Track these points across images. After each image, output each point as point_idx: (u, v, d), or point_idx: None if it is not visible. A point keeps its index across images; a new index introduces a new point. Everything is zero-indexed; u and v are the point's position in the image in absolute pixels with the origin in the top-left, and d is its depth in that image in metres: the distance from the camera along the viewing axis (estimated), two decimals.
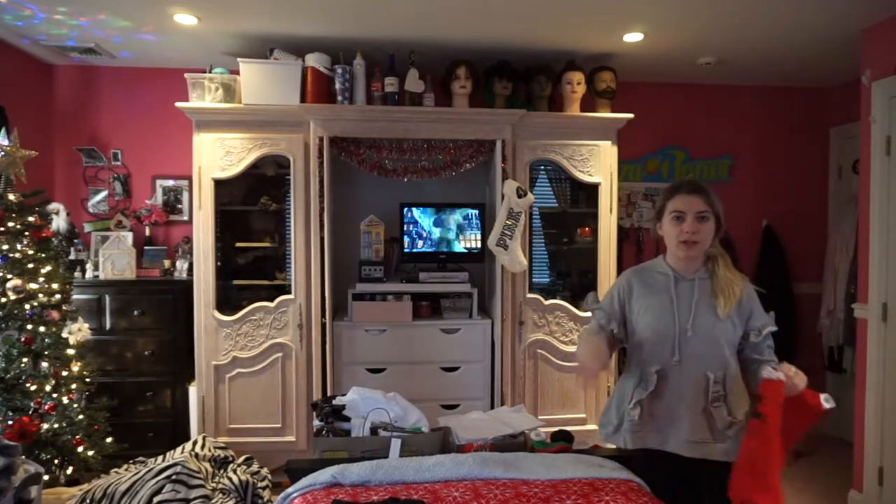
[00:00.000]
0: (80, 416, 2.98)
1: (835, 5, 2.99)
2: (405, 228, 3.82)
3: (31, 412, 2.81)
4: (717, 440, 1.89)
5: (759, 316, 1.93)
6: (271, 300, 3.65)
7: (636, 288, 1.99)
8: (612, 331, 1.99)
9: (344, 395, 2.63)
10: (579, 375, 3.64)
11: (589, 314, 3.70)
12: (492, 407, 3.60)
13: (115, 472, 3.02)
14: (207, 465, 3.05)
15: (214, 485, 2.93)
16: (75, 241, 3.85)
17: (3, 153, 2.89)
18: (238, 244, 3.91)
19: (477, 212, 3.84)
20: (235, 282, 3.89)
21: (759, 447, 1.75)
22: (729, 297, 1.87)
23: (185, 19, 3.18)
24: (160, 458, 3.12)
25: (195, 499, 2.71)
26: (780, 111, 4.55)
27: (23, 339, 2.83)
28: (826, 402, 1.78)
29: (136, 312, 3.69)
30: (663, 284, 1.96)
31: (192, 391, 3.67)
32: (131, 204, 4.11)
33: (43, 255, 2.99)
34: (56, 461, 2.87)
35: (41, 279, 2.94)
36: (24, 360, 2.83)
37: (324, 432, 2.39)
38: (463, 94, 3.69)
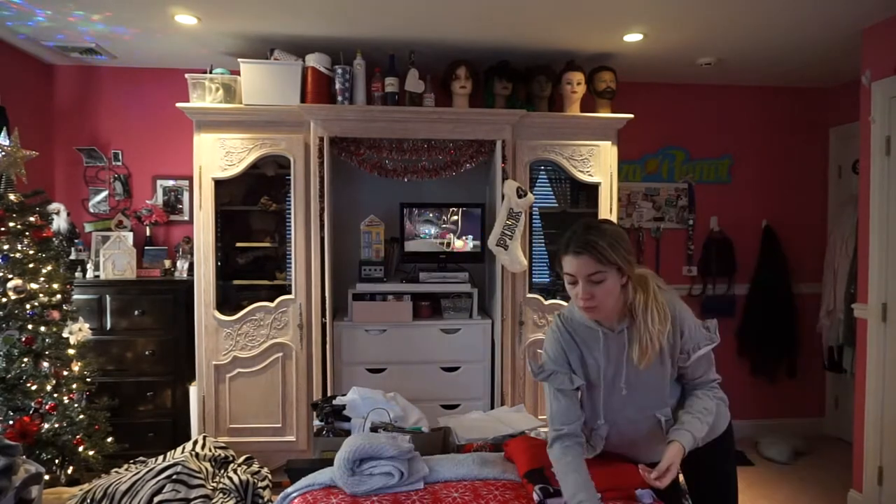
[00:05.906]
0: (81, 416, 2.98)
1: (835, 5, 2.99)
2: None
3: (31, 412, 2.81)
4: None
5: (690, 338, 1.74)
6: (271, 300, 3.65)
7: (573, 340, 1.79)
8: (579, 388, 1.79)
9: (344, 395, 2.65)
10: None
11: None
12: (492, 407, 3.60)
13: (116, 471, 3.02)
14: (208, 464, 3.06)
15: (215, 484, 2.93)
16: (76, 241, 3.85)
17: (3, 153, 2.89)
18: (238, 244, 3.91)
19: (478, 211, 3.84)
20: (236, 282, 3.89)
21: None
22: (645, 346, 1.68)
23: (185, 19, 3.18)
24: (160, 457, 3.12)
25: (195, 498, 2.71)
26: (780, 111, 4.55)
27: (23, 339, 2.84)
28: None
29: (136, 312, 3.69)
30: (594, 340, 1.76)
31: (193, 391, 3.67)
32: (132, 204, 4.11)
33: (43, 255, 3.00)
34: (57, 461, 2.87)
35: (42, 279, 2.95)
36: (25, 359, 2.84)
37: (324, 432, 2.40)
38: (463, 94, 3.69)
